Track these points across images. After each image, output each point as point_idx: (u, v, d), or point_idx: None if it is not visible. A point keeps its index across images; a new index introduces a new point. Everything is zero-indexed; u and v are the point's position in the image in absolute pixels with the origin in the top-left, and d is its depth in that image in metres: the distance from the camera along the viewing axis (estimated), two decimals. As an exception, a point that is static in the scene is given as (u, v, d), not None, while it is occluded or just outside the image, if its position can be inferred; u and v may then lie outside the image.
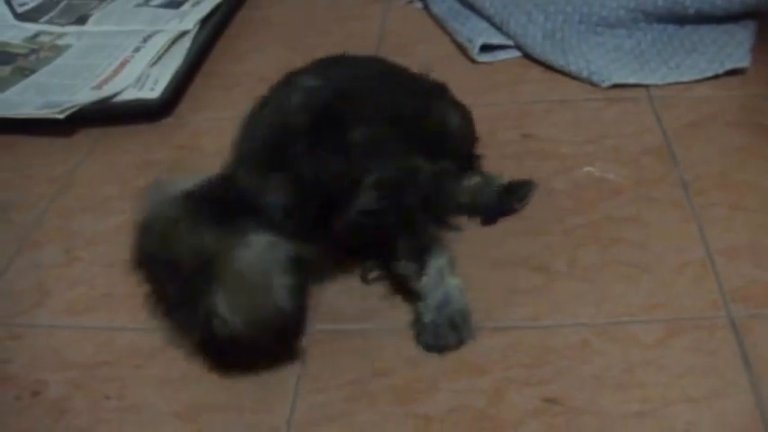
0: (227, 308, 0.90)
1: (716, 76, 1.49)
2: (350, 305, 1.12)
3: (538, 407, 0.95)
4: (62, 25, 1.86)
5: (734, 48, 1.52)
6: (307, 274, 0.92)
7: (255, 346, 0.95)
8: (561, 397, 0.96)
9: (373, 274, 1.16)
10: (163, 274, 0.94)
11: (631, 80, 1.49)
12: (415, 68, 1.26)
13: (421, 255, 1.03)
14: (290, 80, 1.05)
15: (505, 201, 1.21)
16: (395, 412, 0.97)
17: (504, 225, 1.22)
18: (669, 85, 1.48)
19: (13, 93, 1.63)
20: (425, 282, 1.04)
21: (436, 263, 1.04)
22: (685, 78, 1.49)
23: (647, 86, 1.48)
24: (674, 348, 1.01)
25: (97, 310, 1.16)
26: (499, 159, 1.35)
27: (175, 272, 0.92)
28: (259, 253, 0.91)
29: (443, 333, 1.03)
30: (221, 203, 0.93)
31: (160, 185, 0.97)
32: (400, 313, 1.10)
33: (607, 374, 0.98)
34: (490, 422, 0.95)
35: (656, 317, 1.05)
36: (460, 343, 1.03)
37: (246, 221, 0.92)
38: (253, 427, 0.97)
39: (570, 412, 0.94)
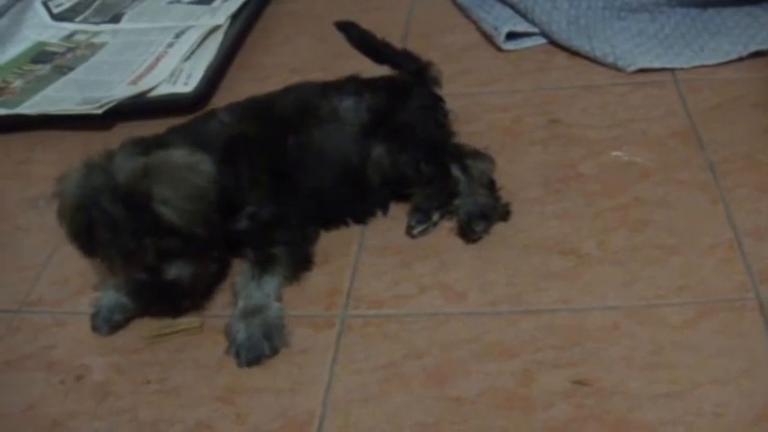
0: (166, 192, 1.04)
1: (740, 59, 1.48)
2: (383, 290, 1.14)
3: (567, 388, 0.97)
4: (97, 24, 1.89)
5: (757, 30, 1.51)
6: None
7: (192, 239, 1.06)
8: (591, 378, 0.97)
9: (420, 228, 1.21)
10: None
11: (656, 64, 1.49)
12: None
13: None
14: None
15: (469, 226, 1.20)
16: (427, 394, 0.99)
17: (535, 210, 1.23)
18: (694, 68, 1.48)
19: (52, 90, 1.67)
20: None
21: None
22: (710, 61, 1.48)
23: (672, 70, 1.48)
24: (703, 330, 1.01)
25: (137, 298, 1.19)
26: (527, 146, 1.37)
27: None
28: (183, 154, 1.10)
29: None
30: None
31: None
32: (432, 298, 1.12)
33: (636, 356, 0.99)
34: (520, 404, 0.96)
35: (685, 299, 1.06)
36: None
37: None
38: (289, 409, 1.00)
39: (599, 393, 0.96)
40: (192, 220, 1.05)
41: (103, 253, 1.08)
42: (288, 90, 1.31)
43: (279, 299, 1.12)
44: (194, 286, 1.10)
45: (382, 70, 1.34)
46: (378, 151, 1.23)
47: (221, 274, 1.16)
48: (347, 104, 1.25)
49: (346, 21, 1.35)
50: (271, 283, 1.12)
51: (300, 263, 1.17)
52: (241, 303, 1.10)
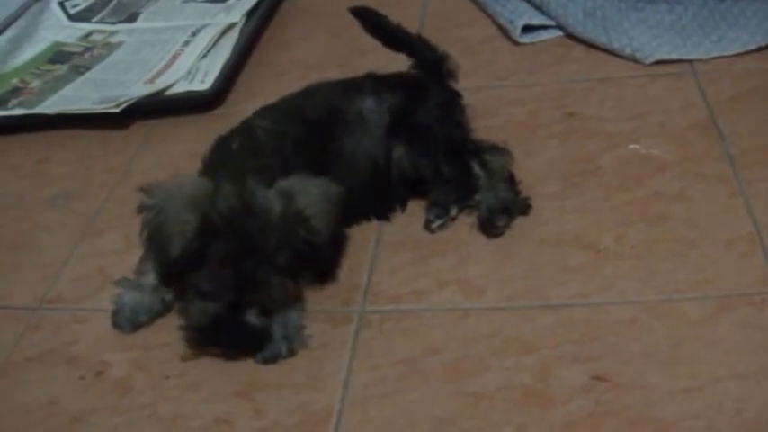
0: (316, 207, 1.05)
1: (758, 49, 1.47)
2: (401, 286, 1.14)
3: (586, 383, 0.96)
4: (113, 23, 1.91)
5: (775, 19, 1.50)
6: None
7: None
8: (609, 373, 0.97)
9: (438, 222, 1.21)
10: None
11: (674, 56, 1.48)
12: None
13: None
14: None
15: (491, 221, 1.20)
16: (445, 390, 0.99)
17: (553, 204, 1.22)
18: (712, 59, 1.47)
19: (70, 90, 1.68)
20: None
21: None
22: (728, 52, 1.47)
23: (690, 61, 1.47)
24: (723, 324, 1.00)
25: (156, 295, 1.19)
26: (544, 139, 1.36)
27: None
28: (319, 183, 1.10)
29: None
30: None
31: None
32: (451, 293, 1.12)
33: (655, 351, 0.99)
34: (539, 399, 0.96)
35: (705, 293, 1.05)
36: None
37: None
38: (307, 405, 1.00)
39: (618, 388, 0.95)
40: (332, 230, 1.07)
41: (202, 282, 1.03)
42: (310, 93, 1.29)
43: (300, 299, 1.12)
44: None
45: (397, 66, 1.33)
46: (398, 153, 1.23)
47: None
48: (369, 105, 1.25)
49: (361, 6, 1.34)
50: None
51: (326, 267, 1.16)
52: None
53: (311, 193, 1.07)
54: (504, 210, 1.19)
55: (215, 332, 1.05)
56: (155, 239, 1.05)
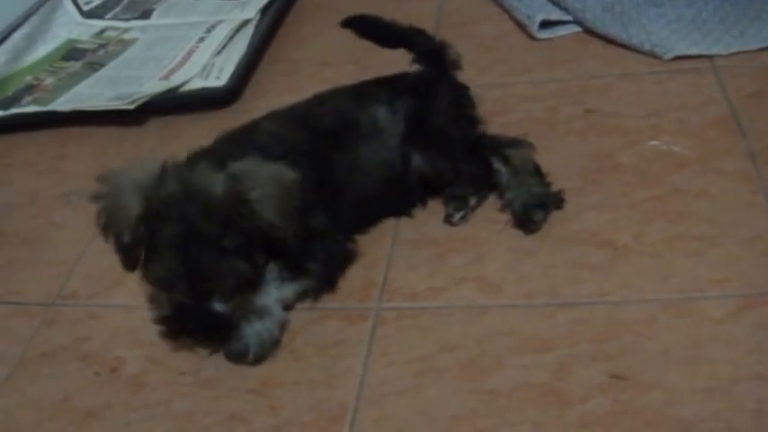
0: (261, 192, 1.02)
1: (780, 43, 1.45)
2: (417, 283, 1.13)
3: (604, 382, 0.95)
4: (127, 20, 1.91)
5: (797, 12, 1.48)
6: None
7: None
8: (628, 372, 0.96)
9: (459, 215, 1.20)
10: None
11: (694, 51, 1.46)
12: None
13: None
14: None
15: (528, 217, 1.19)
16: (461, 388, 0.98)
17: (572, 201, 1.21)
18: (733, 54, 1.45)
19: (84, 86, 1.69)
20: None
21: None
22: (750, 47, 1.45)
23: (710, 57, 1.45)
24: (744, 324, 0.99)
25: (170, 291, 1.19)
26: (563, 136, 1.35)
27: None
28: (263, 161, 1.08)
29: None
30: None
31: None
32: (468, 291, 1.11)
33: (674, 350, 0.98)
34: (556, 397, 0.95)
35: (725, 291, 1.04)
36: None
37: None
38: (322, 402, 0.99)
39: (637, 388, 0.94)
40: (287, 218, 1.03)
41: (155, 270, 1.03)
42: (322, 101, 1.27)
43: (288, 307, 1.10)
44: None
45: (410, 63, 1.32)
46: (416, 161, 1.22)
47: None
48: (383, 115, 1.23)
49: (348, 17, 1.33)
50: (290, 288, 1.10)
51: (327, 284, 1.14)
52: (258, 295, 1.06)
53: (258, 176, 1.04)
54: (539, 204, 1.18)
55: (180, 321, 1.03)
56: (108, 227, 1.05)
